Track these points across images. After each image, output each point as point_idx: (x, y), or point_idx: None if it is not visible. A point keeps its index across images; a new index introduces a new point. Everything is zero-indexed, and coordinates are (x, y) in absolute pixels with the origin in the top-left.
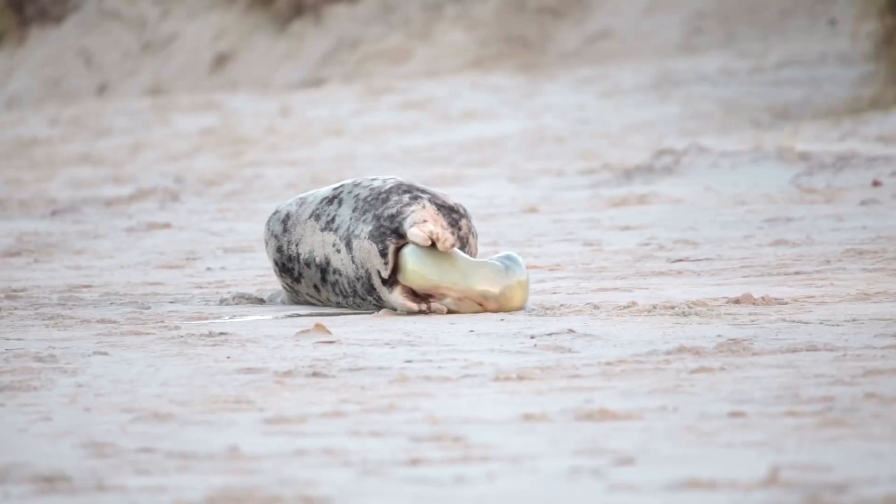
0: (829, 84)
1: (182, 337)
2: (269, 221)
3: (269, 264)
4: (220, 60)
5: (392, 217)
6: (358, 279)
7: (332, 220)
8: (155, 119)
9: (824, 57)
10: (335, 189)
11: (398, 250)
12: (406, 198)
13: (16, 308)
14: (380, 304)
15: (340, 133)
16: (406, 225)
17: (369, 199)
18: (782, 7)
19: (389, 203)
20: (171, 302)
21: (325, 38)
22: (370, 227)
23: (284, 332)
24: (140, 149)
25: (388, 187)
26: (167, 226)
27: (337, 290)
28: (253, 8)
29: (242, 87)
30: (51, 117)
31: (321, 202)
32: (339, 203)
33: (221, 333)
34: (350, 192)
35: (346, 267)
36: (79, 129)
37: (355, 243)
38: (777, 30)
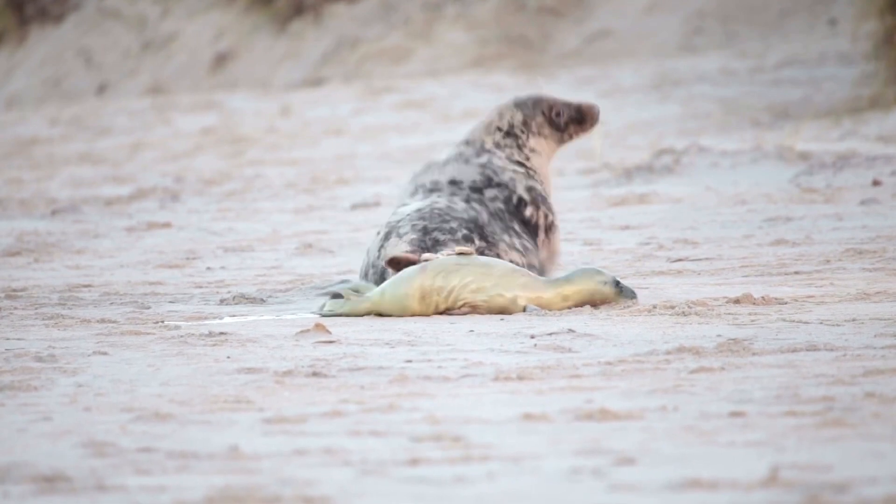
0: (829, 84)
1: (182, 337)
2: None
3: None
4: (220, 60)
5: (436, 241)
6: (373, 266)
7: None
8: (155, 119)
9: (824, 57)
10: (472, 194)
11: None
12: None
13: (16, 308)
14: None
15: (340, 133)
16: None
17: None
18: (782, 7)
19: (449, 232)
20: (170, 302)
21: (325, 37)
22: (416, 236)
23: (284, 332)
24: (140, 148)
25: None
26: (167, 225)
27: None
28: (253, 7)
29: (242, 87)
30: (51, 117)
31: (448, 187)
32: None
33: (221, 333)
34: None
35: (372, 251)
36: (79, 128)
37: (393, 238)
38: (777, 29)
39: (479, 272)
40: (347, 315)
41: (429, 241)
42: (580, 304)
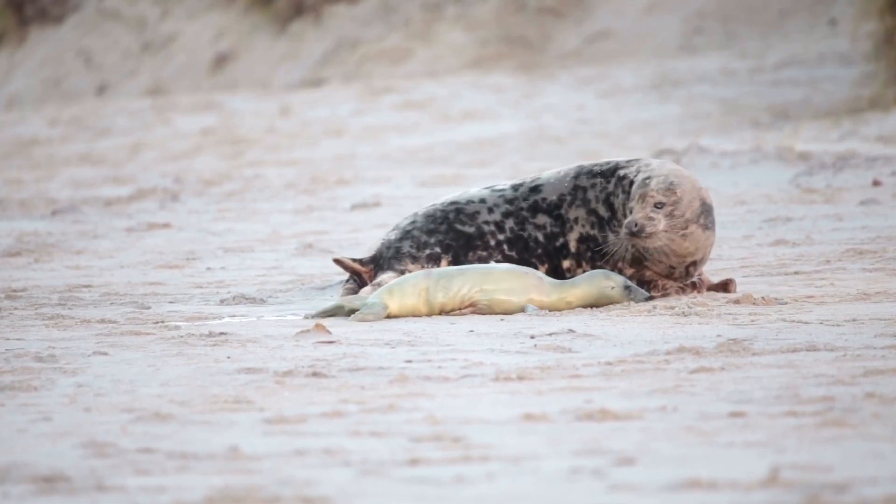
0: (829, 84)
1: (182, 337)
2: None
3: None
4: (220, 60)
5: (397, 251)
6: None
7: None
8: (155, 119)
9: (824, 57)
10: (523, 212)
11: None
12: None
13: (16, 308)
14: None
15: (340, 133)
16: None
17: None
18: (782, 7)
19: (417, 247)
20: (170, 302)
21: (324, 38)
22: (385, 239)
23: (284, 332)
24: (140, 149)
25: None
26: (167, 226)
27: None
28: (253, 8)
29: (242, 87)
30: (51, 117)
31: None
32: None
33: (221, 333)
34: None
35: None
36: (79, 129)
37: (394, 231)
38: (777, 30)
39: (481, 274)
40: (370, 321)
41: (392, 250)
42: (588, 307)
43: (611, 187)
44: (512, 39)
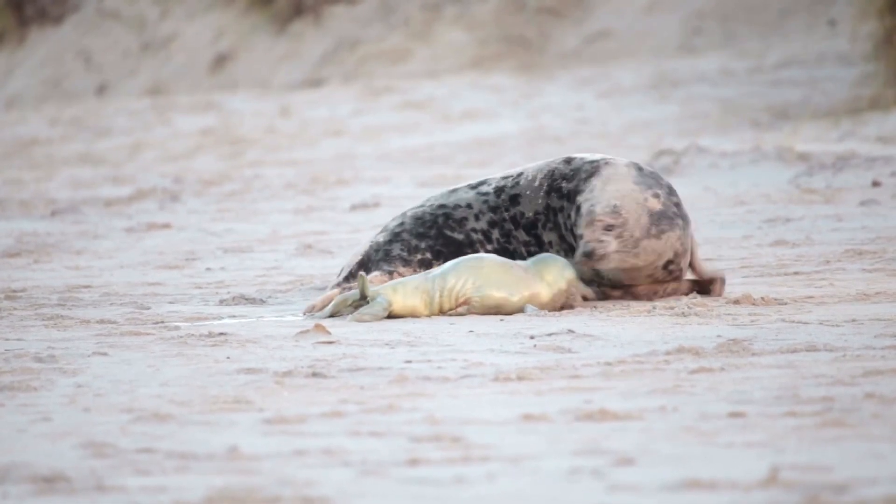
0: (829, 84)
1: (182, 337)
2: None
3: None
4: (220, 60)
5: (387, 253)
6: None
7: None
8: (154, 119)
9: (824, 57)
10: (507, 223)
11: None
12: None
13: (15, 308)
14: None
15: (340, 133)
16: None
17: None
18: (782, 7)
19: (407, 250)
20: (170, 302)
21: (324, 38)
22: (367, 248)
23: (284, 333)
24: (140, 149)
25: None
26: (167, 226)
27: None
28: (252, 8)
29: (242, 88)
30: (50, 117)
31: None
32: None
33: (221, 334)
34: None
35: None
36: (78, 129)
37: (383, 233)
38: (776, 30)
39: (472, 269)
40: (367, 321)
41: (381, 252)
42: (562, 290)
43: (573, 218)
44: (511, 39)
